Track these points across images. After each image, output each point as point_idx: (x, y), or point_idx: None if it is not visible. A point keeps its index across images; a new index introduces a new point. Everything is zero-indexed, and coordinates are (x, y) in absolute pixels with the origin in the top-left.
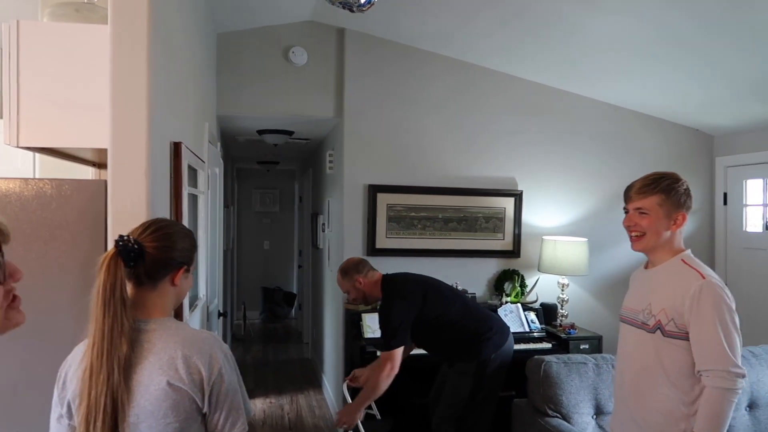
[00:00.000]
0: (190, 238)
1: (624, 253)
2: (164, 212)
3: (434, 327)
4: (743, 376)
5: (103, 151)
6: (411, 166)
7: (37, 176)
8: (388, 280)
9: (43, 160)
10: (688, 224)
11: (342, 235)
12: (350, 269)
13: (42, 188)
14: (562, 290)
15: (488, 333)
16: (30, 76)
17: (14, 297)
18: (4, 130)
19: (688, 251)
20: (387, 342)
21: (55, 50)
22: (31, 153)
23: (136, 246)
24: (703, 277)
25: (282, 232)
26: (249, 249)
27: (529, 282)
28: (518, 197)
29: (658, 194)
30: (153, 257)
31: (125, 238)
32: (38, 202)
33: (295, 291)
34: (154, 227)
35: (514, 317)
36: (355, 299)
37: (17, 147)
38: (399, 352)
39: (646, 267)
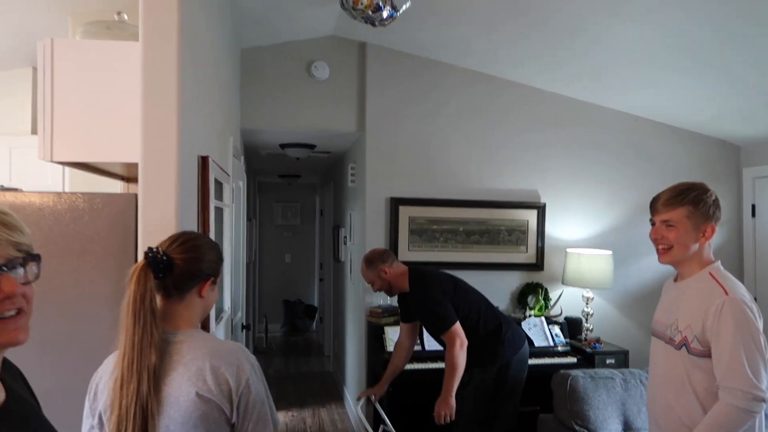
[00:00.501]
0: (216, 251)
1: (650, 265)
2: (192, 225)
3: (461, 322)
4: (763, 401)
5: (132, 165)
6: (433, 178)
7: (66, 191)
8: (415, 270)
9: (72, 174)
10: (716, 237)
11: (364, 247)
12: (375, 259)
13: (74, 202)
14: (587, 304)
15: (507, 334)
16: (63, 93)
17: (19, 311)
18: (38, 146)
19: (717, 263)
20: (441, 323)
21: (87, 67)
22: (60, 168)
23: (165, 257)
24: (727, 293)
25: (303, 246)
26: (270, 262)
27: (553, 295)
28: (541, 209)
29: (685, 206)
30: (181, 269)
31: (154, 249)
32: (71, 216)
33: (316, 304)
34: (182, 239)
35: (538, 331)
36: (380, 289)
37: (50, 161)
38: (459, 326)
39: (675, 279)
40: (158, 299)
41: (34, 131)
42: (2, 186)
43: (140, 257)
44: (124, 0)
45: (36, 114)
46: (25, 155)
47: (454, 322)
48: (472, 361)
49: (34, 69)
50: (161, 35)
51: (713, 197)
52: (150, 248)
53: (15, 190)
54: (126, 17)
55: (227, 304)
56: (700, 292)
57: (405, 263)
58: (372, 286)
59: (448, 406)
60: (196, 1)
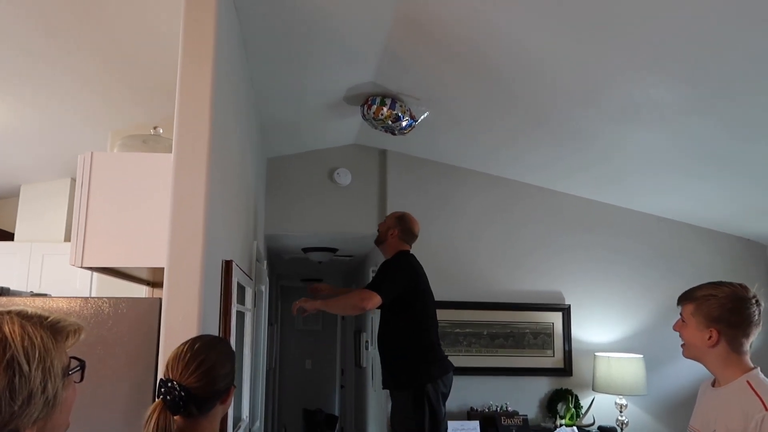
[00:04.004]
0: (230, 360)
1: (686, 370)
2: (213, 329)
3: (403, 319)
4: None
5: (157, 270)
6: (455, 281)
7: (93, 295)
8: (406, 254)
9: (99, 280)
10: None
11: None
12: (402, 221)
13: (100, 307)
14: (621, 411)
15: (434, 360)
16: (98, 202)
17: None
18: (70, 252)
19: (756, 371)
20: (378, 284)
21: (121, 177)
22: (88, 273)
23: (182, 393)
24: (766, 408)
25: (324, 351)
26: (291, 368)
27: (584, 402)
28: (566, 311)
29: (690, 303)
30: (200, 396)
31: (169, 384)
32: (96, 320)
33: (337, 413)
34: (195, 363)
35: None
36: (377, 235)
37: (80, 267)
38: (379, 300)
39: (713, 384)
40: (179, 418)
41: (66, 239)
42: (32, 292)
43: (161, 360)
44: (161, 115)
45: (70, 222)
46: (56, 262)
47: (380, 293)
48: (386, 363)
49: (72, 180)
50: (192, 148)
51: (731, 299)
52: (164, 382)
53: (44, 295)
54: (161, 131)
55: (245, 413)
56: (739, 403)
57: None
58: (378, 227)
59: (308, 304)
60: (226, 117)
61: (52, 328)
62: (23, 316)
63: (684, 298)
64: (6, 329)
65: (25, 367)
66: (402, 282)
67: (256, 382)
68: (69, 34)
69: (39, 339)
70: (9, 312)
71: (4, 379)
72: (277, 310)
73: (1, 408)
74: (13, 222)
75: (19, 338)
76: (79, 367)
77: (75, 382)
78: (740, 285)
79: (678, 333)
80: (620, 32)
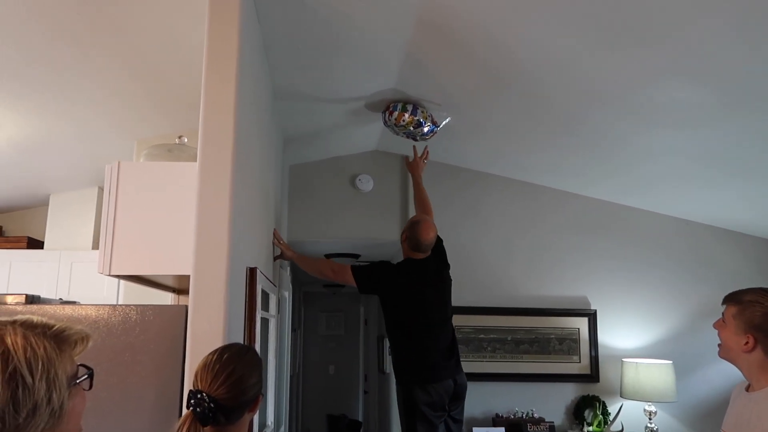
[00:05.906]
0: (257, 369)
1: (717, 377)
2: (238, 336)
3: (389, 320)
4: None
5: (183, 278)
6: (478, 286)
7: (120, 303)
8: (407, 260)
9: (126, 287)
10: None
11: None
12: (411, 228)
13: (128, 314)
14: (650, 419)
15: (417, 366)
16: (125, 210)
17: None
18: (98, 260)
19: None
20: (359, 268)
21: (148, 186)
22: (115, 281)
23: (211, 404)
24: None
25: (347, 356)
26: (314, 374)
27: (612, 409)
28: (592, 317)
29: (734, 305)
30: (229, 407)
31: (198, 396)
32: (123, 328)
33: (360, 419)
34: (224, 374)
35: None
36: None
37: (108, 275)
38: (350, 277)
39: (747, 388)
40: (209, 428)
41: (94, 247)
42: (61, 299)
43: (188, 367)
44: (186, 125)
45: (98, 230)
46: (84, 269)
47: (354, 275)
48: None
49: (100, 189)
50: (217, 157)
51: None
52: (193, 394)
53: (73, 303)
54: (186, 140)
55: (270, 419)
56: None
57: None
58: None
59: (288, 251)
60: (249, 126)
61: (56, 338)
62: (27, 326)
63: (729, 299)
64: (8, 341)
65: (29, 378)
66: (378, 282)
67: (281, 388)
68: (96, 47)
69: (42, 349)
70: (13, 322)
71: (7, 391)
72: (301, 316)
73: (6, 421)
74: (42, 230)
75: (21, 350)
76: (87, 375)
77: (84, 389)
78: None
79: (717, 332)
80: (649, 38)
